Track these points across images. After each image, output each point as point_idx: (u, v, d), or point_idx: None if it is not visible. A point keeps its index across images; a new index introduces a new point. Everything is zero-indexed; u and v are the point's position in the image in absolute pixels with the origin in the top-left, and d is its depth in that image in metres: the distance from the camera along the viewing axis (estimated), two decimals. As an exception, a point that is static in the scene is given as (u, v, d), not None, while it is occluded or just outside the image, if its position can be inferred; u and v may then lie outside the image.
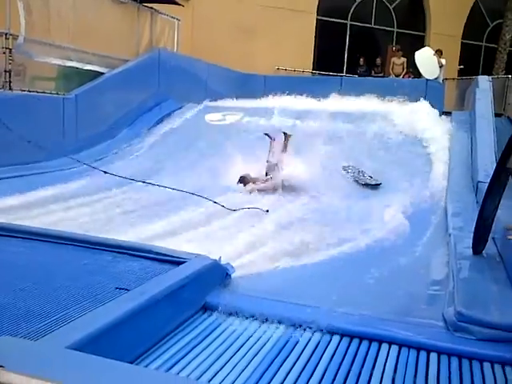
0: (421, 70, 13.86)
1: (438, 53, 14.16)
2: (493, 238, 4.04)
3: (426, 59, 13.82)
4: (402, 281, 3.57)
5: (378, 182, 6.85)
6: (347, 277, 3.57)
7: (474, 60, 19.82)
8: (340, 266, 3.87)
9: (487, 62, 19.89)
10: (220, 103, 10.60)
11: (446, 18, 18.76)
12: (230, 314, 2.82)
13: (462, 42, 19.47)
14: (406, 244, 4.58)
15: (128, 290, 2.55)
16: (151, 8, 11.02)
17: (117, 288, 2.61)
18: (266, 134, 7.36)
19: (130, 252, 3.17)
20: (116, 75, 9.06)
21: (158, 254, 3.05)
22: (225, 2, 15.55)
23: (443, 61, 14.11)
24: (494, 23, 20.19)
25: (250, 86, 13.10)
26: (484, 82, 10.00)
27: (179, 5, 12.51)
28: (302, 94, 10.76)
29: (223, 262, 3.16)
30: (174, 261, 2.94)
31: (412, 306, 3.08)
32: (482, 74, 15.40)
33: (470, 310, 2.65)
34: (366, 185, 6.85)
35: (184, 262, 2.90)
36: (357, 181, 6.93)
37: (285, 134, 7.30)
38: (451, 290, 3.06)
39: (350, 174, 7.06)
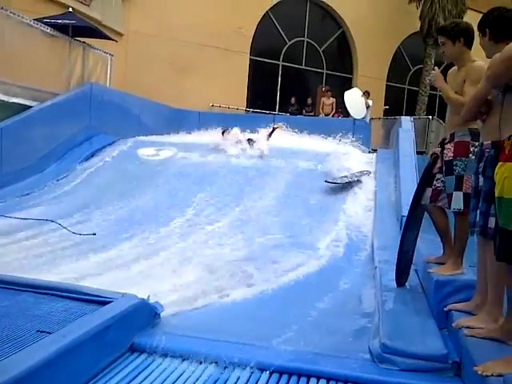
0: (349, 110, 14.49)
1: (366, 94, 14.90)
2: (415, 270, 4.23)
3: (354, 99, 14.47)
4: (330, 314, 3.63)
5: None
6: (275, 312, 3.59)
7: (398, 101, 21.04)
8: (268, 301, 3.89)
9: (410, 103, 21.18)
10: (153, 138, 10.55)
11: (372, 62, 19.89)
12: (159, 355, 2.76)
13: (386, 85, 20.66)
14: (335, 275, 4.70)
15: (50, 333, 2.44)
16: (83, 42, 10.93)
17: (38, 331, 2.50)
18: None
19: (53, 293, 3.04)
20: (45, 109, 8.83)
21: (83, 294, 2.95)
22: (159, 39, 15.70)
23: (370, 102, 14.84)
24: (415, 68, 21.61)
25: (184, 121, 13.16)
26: (406, 122, 10.61)
27: (112, 40, 12.50)
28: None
29: (151, 300, 3.10)
30: (100, 301, 2.85)
31: (340, 339, 3.13)
32: (406, 114, 16.35)
33: (393, 342, 2.74)
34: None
35: (110, 301, 2.82)
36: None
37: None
38: (376, 322, 3.15)
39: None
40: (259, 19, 18.07)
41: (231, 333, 3.02)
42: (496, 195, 2.29)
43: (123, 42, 15.01)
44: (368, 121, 14.53)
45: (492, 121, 2.80)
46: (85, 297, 2.93)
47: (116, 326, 2.64)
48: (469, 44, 3.53)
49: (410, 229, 3.81)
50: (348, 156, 8.96)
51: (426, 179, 3.74)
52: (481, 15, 2.99)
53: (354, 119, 14.27)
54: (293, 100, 17.18)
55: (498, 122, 2.57)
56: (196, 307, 3.57)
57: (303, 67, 20.01)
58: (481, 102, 2.83)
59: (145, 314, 3.00)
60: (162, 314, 3.15)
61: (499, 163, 2.30)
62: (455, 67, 3.68)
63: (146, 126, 11.51)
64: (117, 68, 12.85)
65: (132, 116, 11.50)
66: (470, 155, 3.42)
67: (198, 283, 4.13)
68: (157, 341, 2.82)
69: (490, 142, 2.77)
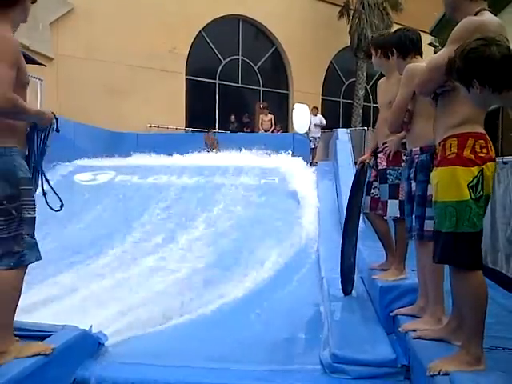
0: (294, 123, 14.60)
1: (315, 109, 15.00)
2: (361, 278, 4.29)
3: (301, 115, 14.55)
4: (278, 329, 3.60)
5: None
6: (223, 331, 3.53)
7: (334, 114, 21.58)
8: (215, 320, 3.83)
9: (345, 115, 21.81)
10: (90, 162, 10.28)
11: (306, 77, 20.36)
12: (104, 386, 2.63)
13: (322, 99, 21.15)
14: (283, 288, 4.70)
15: (-17, 375, 2.27)
16: (10, 68, 10.53)
17: (-30, 374, 2.32)
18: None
19: (-15, 331, 2.83)
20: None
21: (18, 329, 2.75)
22: (92, 62, 15.39)
23: (320, 117, 14.90)
24: (348, 81, 22.32)
25: (122, 144, 12.92)
26: (343, 134, 10.91)
27: (41, 64, 12.13)
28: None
29: (94, 330, 2.96)
30: (38, 335, 2.67)
31: (290, 353, 3.11)
32: (342, 126, 16.79)
33: (343, 351, 2.74)
34: None
35: (49, 335, 2.66)
36: None
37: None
38: (326, 332, 3.16)
39: None
40: (193, 39, 18.12)
41: (180, 356, 2.94)
42: (433, 199, 2.37)
43: (53, 66, 14.61)
44: (319, 137, 14.64)
45: (416, 128, 2.92)
46: (20, 332, 2.74)
47: (56, 361, 2.49)
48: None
49: (348, 236, 3.88)
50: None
51: (355, 187, 3.84)
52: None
53: (293, 134, 14.52)
54: (232, 118, 17.29)
55: (422, 128, 2.75)
56: (142, 333, 3.45)
57: (240, 85, 20.20)
58: (402, 110, 2.94)
59: (88, 346, 2.86)
60: (106, 344, 3.02)
61: (434, 169, 2.39)
62: (384, 77, 3.81)
63: (81, 150, 11.18)
64: (48, 93, 12.47)
65: (66, 141, 11.09)
66: (403, 164, 3.54)
67: (142, 309, 4.00)
68: (101, 372, 2.69)
69: (418, 148, 2.89)
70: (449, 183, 2.23)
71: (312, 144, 14.43)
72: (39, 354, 2.38)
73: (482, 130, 2.30)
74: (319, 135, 14.59)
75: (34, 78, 11.49)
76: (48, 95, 12.43)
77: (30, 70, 10.89)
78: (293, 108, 14.85)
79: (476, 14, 2.34)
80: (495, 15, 2.41)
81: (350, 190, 3.96)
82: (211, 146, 13.82)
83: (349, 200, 3.89)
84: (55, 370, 2.49)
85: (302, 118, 14.43)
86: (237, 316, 3.93)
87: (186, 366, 2.79)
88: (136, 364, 2.84)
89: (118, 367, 2.78)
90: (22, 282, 2.41)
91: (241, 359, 2.94)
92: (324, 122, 14.80)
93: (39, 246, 2.53)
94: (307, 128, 14.41)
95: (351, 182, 7.51)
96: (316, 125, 14.55)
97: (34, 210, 2.46)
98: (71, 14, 15.34)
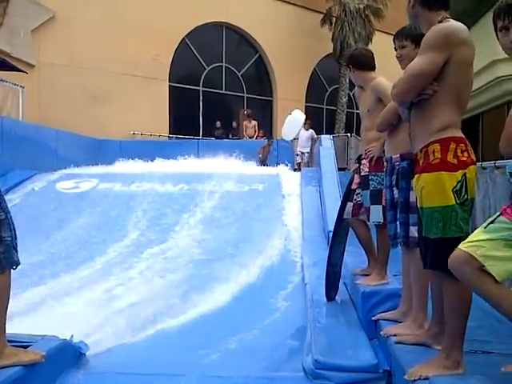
0: (284, 128, 14.00)
1: (308, 124, 14.14)
2: (344, 283, 4.30)
3: (294, 122, 13.87)
4: (261, 335, 3.60)
5: None
6: (205, 338, 3.51)
7: (317, 121, 21.68)
8: (197, 327, 3.81)
9: (329, 122, 21.93)
10: (73, 170, 10.19)
11: (290, 84, 20.46)
12: (85, 397, 2.60)
13: (306, 105, 21.26)
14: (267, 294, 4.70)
15: (-39, 387, 2.23)
16: (-10, 75, 10.45)
17: None
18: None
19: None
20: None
21: (-4, 340, 2.72)
22: (74, 69, 15.29)
23: (312, 131, 14.18)
24: (332, 88, 22.47)
25: (105, 151, 12.88)
26: (326, 140, 10.97)
27: (23, 72, 12.02)
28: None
29: (75, 340, 2.92)
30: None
31: (273, 359, 3.11)
32: (326, 133, 16.84)
33: (325, 357, 2.75)
34: None
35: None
36: None
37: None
38: (309, 338, 3.16)
39: None
40: (176, 46, 18.09)
41: (162, 365, 2.92)
42: (418, 206, 2.37)
43: (35, 73, 14.48)
44: (308, 152, 14.04)
45: (397, 135, 2.95)
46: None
47: (36, 372, 2.46)
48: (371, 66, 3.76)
49: (336, 243, 3.89)
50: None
51: (347, 194, 3.86)
52: (387, 36, 3.19)
53: (277, 141, 14.54)
54: (218, 124, 17.28)
55: (403, 136, 2.73)
56: (123, 343, 3.42)
57: (224, 92, 20.22)
58: (393, 114, 2.96)
59: (68, 356, 2.82)
60: (87, 353, 2.98)
61: (415, 175, 2.38)
62: (358, 88, 3.88)
63: (64, 158, 11.11)
64: (30, 100, 12.37)
65: (49, 149, 11.06)
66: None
67: (124, 318, 3.97)
68: (83, 382, 2.66)
69: (398, 155, 2.91)
70: (434, 189, 2.23)
71: (298, 158, 13.67)
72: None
73: (461, 134, 2.31)
74: (308, 150, 13.72)
75: (16, 85, 11.41)
76: (29, 102, 12.33)
77: (12, 77, 10.86)
78: (289, 113, 14.19)
79: (440, 22, 2.34)
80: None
81: (342, 198, 3.97)
82: (263, 158, 13.34)
83: (340, 207, 3.89)
84: (35, 381, 2.45)
85: (294, 126, 13.85)
86: (220, 323, 3.92)
87: (168, 374, 2.77)
88: (117, 373, 2.81)
89: (99, 377, 2.75)
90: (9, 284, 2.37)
91: (224, 366, 2.93)
92: (315, 136, 13.82)
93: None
94: (294, 137, 13.95)
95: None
96: (306, 139, 13.76)
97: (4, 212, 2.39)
98: (53, 21, 15.22)
